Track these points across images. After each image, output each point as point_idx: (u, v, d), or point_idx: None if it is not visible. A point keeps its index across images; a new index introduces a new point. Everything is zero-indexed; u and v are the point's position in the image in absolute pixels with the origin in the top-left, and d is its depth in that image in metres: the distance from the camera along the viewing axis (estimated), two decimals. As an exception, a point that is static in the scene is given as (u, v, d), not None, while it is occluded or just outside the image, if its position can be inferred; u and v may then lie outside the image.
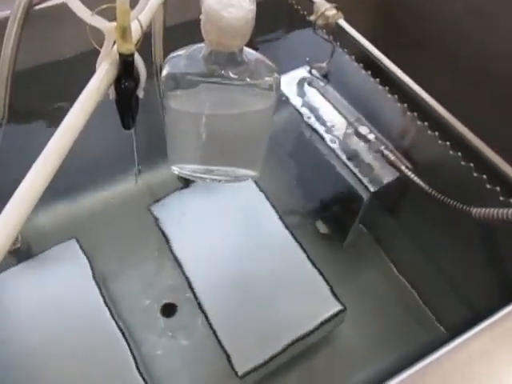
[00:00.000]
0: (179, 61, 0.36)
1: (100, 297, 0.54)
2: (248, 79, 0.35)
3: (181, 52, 0.36)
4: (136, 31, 0.37)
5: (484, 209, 0.43)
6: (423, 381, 0.29)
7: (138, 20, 0.37)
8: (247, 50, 0.35)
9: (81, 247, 0.57)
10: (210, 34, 0.33)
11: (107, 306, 0.53)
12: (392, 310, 0.62)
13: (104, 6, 0.35)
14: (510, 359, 0.30)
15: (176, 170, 0.45)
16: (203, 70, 0.35)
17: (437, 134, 0.49)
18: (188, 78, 0.36)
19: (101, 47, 0.37)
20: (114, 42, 0.36)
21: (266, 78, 0.36)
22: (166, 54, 0.59)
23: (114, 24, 0.34)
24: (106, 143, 0.61)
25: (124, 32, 0.34)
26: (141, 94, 0.39)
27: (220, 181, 0.45)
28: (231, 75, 0.35)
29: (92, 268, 0.56)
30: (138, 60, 0.38)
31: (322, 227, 0.66)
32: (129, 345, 0.51)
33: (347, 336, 0.59)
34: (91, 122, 0.58)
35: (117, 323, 0.52)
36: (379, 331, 0.60)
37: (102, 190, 0.65)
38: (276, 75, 0.36)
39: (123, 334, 0.51)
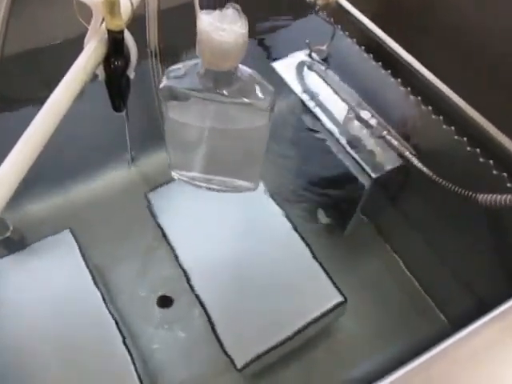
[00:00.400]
0: (177, 74, 0.37)
1: (95, 288, 0.53)
2: (244, 98, 0.36)
3: (180, 66, 0.37)
4: (126, 8, 0.36)
5: (490, 195, 0.42)
6: (428, 373, 0.28)
7: (128, -4, 0.35)
8: (243, 68, 0.35)
9: (75, 238, 0.56)
10: (202, 53, 0.33)
11: (102, 297, 0.52)
12: (393, 300, 0.60)
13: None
14: None
15: (176, 175, 0.46)
16: (199, 86, 0.36)
17: (441, 118, 0.48)
18: (184, 92, 0.36)
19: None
20: (103, 20, 0.35)
21: (261, 98, 0.36)
22: (161, 38, 0.57)
23: (102, -1, 0.32)
24: (99, 131, 0.60)
25: (112, 7, 0.32)
26: (131, 74, 0.37)
27: (218, 190, 0.46)
28: (225, 93, 0.35)
29: (86, 259, 0.54)
30: (129, 38, 0.36)
31: (323, 217, 0.65)
32: (122, 335, 0.50)
33: (348, 327, 0.58)
34: (84, 109, 0.56)
35: (111, 314, 0.51)
36: (380, 322, 0.58)
37: (96, 179, 0.64)
38: (271, 96, 0.36)
39: (117, 324, 0.50)
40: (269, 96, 0.36)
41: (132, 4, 0.35)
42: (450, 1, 0.54)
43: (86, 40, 0.35)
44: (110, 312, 0.51)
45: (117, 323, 0.50)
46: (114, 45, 0.35)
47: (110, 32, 0.34)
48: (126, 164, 0.63)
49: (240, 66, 0.35)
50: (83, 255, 0.55)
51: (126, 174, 0.64)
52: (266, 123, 0.38)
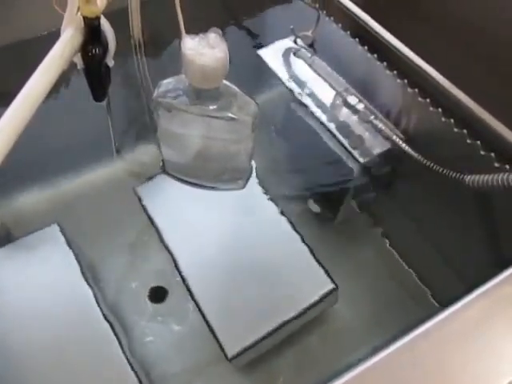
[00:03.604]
0: (168, 88, 0.40)
1: (84, 282, 0.52)
2: (228, 113, 0.39)
3: (171, 80, 0.40)
4: (102, -6, 0.35)
5: (478, 176, 0.41)
6: (412, 353, 0.28)
7: (104, -19, 0.35)
8: (227, 84, 0.38)
9: (63, 232, 0.55)
10: (187, 74, 0.36)
11: (92, 291, 0.52)
12: (386, 287, 0.60)
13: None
14: (503, 328, 0.28)
15: (170, 174, 0.49)
16: (185, 100, 0.39)
17: (428, 100, 0.47)
18: (173, 105, 0.39)
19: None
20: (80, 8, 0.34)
21: (245, 112, 0.40)
22: (144, 29, 0.56)
23: (76, -15, 0.32)
24: (84, 124, 0.59)
25: (86, -7, 0.32)
26: (110, 62, 0.37)
27: (209, 188, 0.49)
28: (210, 108, 0.39)
29: (75, 253, 0.54)
30: (106, 25, 0.36)
31: (314, 206, 0.64)
32: (113, 329, 0.49)
33: (341, 315, 0.57)
34: (68, 102, 0.55)
35: (101, 308, 0.50)
36: (374, 309, 0.58)
37: (82, 172, 0.63)
38: (254, 108, 0.40)
39: (107, 318, 0.50)
40: (251, 109, 0.40)
41: (108, -11, 0.35)
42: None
43: (62, 28, 0.35)
44: (99, 306, 0.50)
45: (107, 318, 0.50)
46: (91, 32, 0.34)
47: (85, 19, 0.33)
48: (111, 156, 0.62)
49: (224, 82, 0.38)
50: (72, 249, 0.54)
51: (112, 166, 0.63)
52: (249, 134, 0.41)
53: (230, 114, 0.39)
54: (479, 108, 0.44)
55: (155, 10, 0.52)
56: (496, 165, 0.43)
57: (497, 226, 0.47)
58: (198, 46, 0.35)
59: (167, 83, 0.39)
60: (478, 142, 0.44)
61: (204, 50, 0.35)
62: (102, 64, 0.36)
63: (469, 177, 0.42)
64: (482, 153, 0.44)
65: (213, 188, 0.49)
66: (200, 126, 0.41)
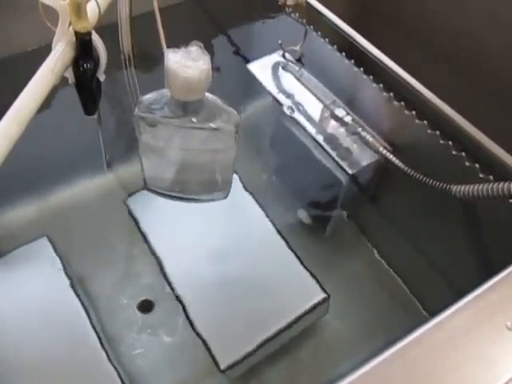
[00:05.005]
0: (149, 103, 0.40)
1: (74, 297, 0.52)
2: (211, 124, 0.39)
3: (152, 95, 0.40)
4: (94, 10, 0.36)
5: (464, 186, 0.42)
6: (403, 360, 0.28)
7: (95, -2, 0.35)
8: (209, 96, 0.39)
9: (52, 245, 0.55)
10: (170, 87, 0.37)
11: (83, 306, 0.51)
12: (377, 297, 0.60)
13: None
14: (490, 335, 0.29)
15: (151, 189, 0.49)
16: (169, 113, 0.39)
17: (414, 113, 0.48)
18: (155, 119, 0.40)
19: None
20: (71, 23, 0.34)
21: (227, 122, 0.40)
22: (134, 44, 0.57)
23: (68, 1, 0.32)
24: (74, 137, 0.59)
25: (78, 9, 0.32)
26: (102, 76, 0.37)
27: (192, 201, 0.49)
28: (194, 120, 0.39)
29: (64, 266, 0.53)
30: (97, 40, 0.36)
31: (305, 217, 0.65)
32: (102, 344, 0.49)
33: (333, 325, 0.58)
34: (59, 115, 0.55)
35: (91, 323, 0.50)
36: (365, 319, 0.59)
37: (73, 185, 0.63)
38: (236, 119, 0.40)
39: (97, 332, 0.49)
40: (234, 119, 0.40)
41: (99, 6, 0.35)
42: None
43: (53, 43, 0.35)
44: (89, 319, 0.50)
45: (96, 331, 0.50)
46: (82, 47, 0.35)
47: (77, 34, 0.34)
48: (101, 169, 0.62)
49: (206, 94, 0.38)
50: (62, 263, 0.53)
51: (103, 179, 0.63)
52: (232, 144, 0.42)
53: (213, 125, 0.39)
54: (464, 120, 0.45)
55: (146, 24, 0.52)
56: (480, 175, 0.44)
57: (482, 234, 0.48)
58: (181, 59, 0.35)
59: (148, 98, 0.40)
60: (463, 154, 0.45)
61: (188, 63, 0.35)
62: (94, 79, 0.36)
63: (455, 187, 0.43)
64: (467, 164, 0.45)
65: (196, 200, 0.49)
66: (183, 138, 0.41)
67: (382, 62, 0.49)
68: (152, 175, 0.48)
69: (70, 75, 0.36)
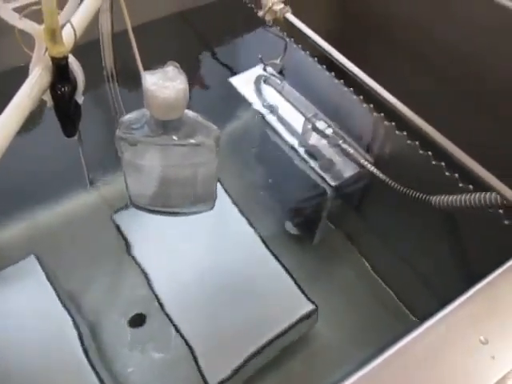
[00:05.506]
0: (129, 123, 0.41)
1: (64, 313, 0.52)
2: (191, 140, 0.40)
3: (131, 115, 0.41)
4: (69, 34, 0.36)
5: (443, 196, 0.43)
6: (389, 369, 0.28)
7: (71, 23, 0.36)
8: (188, 112, 0.40)
9: (40, 264, 0.55)
10: (149, 107, 0.38)
11: (72, 321, 0.51)
12: (366, 306, 0.61)
13: (31, 8, 0.33)
14: (474, 342, 0.29)
15: (136, 205, 0.49)
16: (149, 133, 0.40)
17: (393, 124, 0.49)
18: (136, 139, 0.41)
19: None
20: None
21: (207, 137, 0.41)
22: (116, 60, 0.57)
23: (43, 27, 0.33)
24: (58, 156, 0.59)
25: (53, 34, 0.33)
26: (80, 99, 0.38)
27: (178, 215, 0.50)
28: (174, 137, 0.40)
29: (53, 285, 0.54)
30: (74, 64, 0.37)
31: (291, 228, 0.65)
32: (90, 361, 0.49)
33: (323, 336, 0.58)
34: (42, 135, 0.56)
35: (81, 341, 0.50)
36: (355, 329, 0.59)
37: (58, 203, 0.63)
38: (215, 133, 0.41)
39: (87, 353, 0.50)
40: (213, 133, 0.41)
41: (74, 30, 0.36)
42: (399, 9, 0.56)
43: (30, 68, 0.35)
44: (79, 337, 0.50)
45: (86, 350, 0.50)
46: (59, 71, 0.35)
47: (53, 59, 0.34)
48: (89, 188, 0.63)
49: (186, 110, 0.39)
50: (50, 281, 0.54)
51: (88, 196, 0.63)
52: (213, 157, 0.43)
53: (193, 141, 0.40)
54: (438, 134, 0.45)
55: (126, 41, 0.53)
56: (460, 185, 0.45)
57: (464, 243, 0.49)
58: (159, 80, 0.36)
59: (128, 118, 0.41)
60: (443, 164, 0.46)
61: (166, 83, 0.36)
62: (72, 101, 0.37)
63: (434, 197, 0.44)
64: (447, 174, 0.45)
65: (182, 213, 0.50)
66: (165, 155, 0.42)
67: (358, 77, 0.50)
68: (136, 192, 0.48)
69: (48, 98, 0.37)
